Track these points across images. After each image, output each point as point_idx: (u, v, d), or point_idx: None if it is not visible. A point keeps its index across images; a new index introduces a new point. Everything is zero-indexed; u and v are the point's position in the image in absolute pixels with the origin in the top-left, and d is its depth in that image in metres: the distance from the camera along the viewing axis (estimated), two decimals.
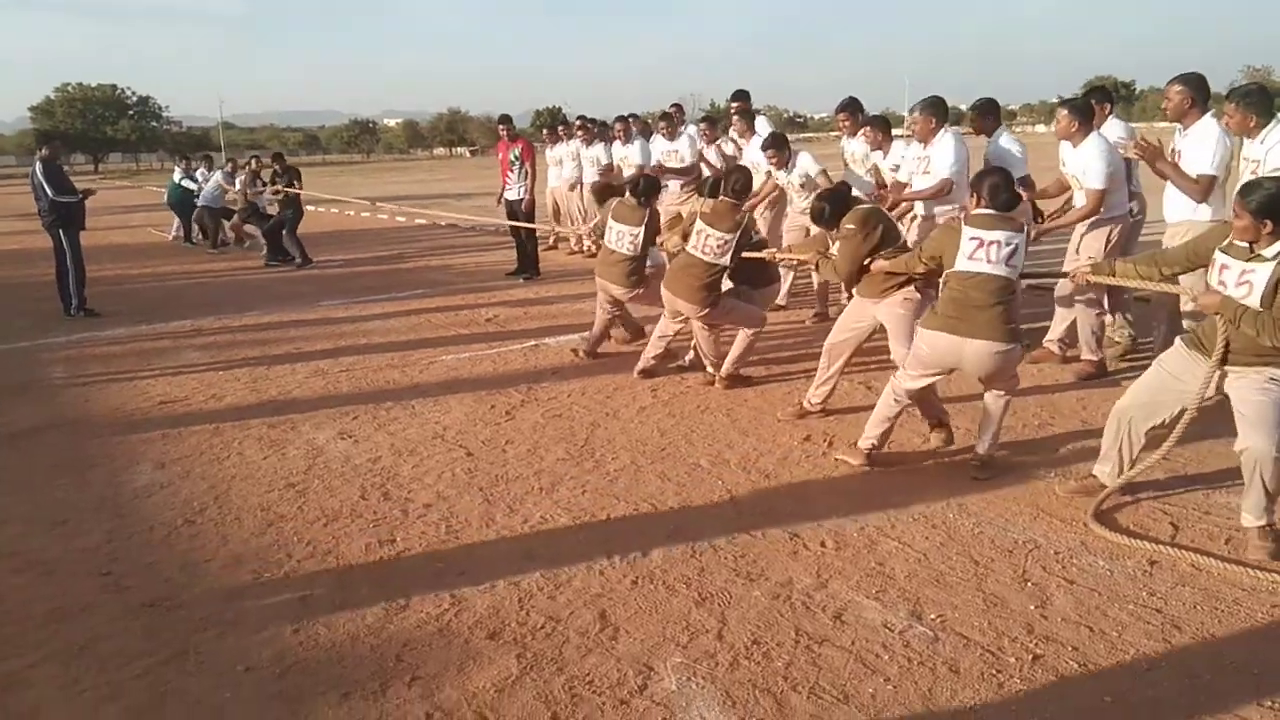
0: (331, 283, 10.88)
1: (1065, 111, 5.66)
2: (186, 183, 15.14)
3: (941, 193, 6.29)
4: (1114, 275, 4.09)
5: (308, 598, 3.36)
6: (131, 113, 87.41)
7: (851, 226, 4.76)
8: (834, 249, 4.99)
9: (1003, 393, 4.26)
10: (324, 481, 4.49)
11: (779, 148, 7.52)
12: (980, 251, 4.04)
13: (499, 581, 3.43)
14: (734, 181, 5.76)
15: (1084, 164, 5.50)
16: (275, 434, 5.22)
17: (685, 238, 5.83)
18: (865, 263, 4.78)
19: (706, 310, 5.68)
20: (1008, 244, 4.03)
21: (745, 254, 5.71)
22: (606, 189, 7.78)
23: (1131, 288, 4.35)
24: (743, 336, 5.82)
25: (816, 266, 5.32)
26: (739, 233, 5.59)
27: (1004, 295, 4.04)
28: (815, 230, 5.56)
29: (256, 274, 11.84)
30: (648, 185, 6.49)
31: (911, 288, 4.75)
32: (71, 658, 3.02)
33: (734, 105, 9.09)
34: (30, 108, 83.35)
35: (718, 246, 5.59)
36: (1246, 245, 3.45)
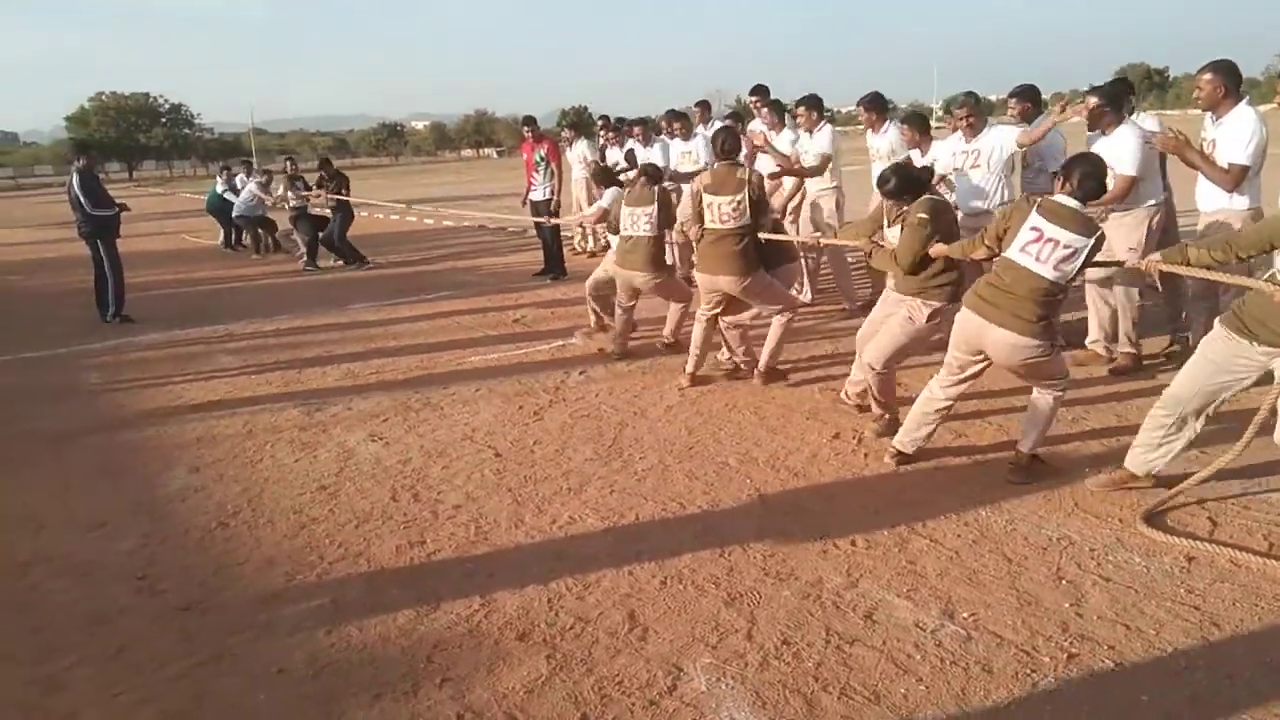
0: (361, 285, 10.96)
1: (1095, 100, 5.50)
2: (229, 195, 15.17)
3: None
4: (1187, 263, 3.79)
5: (339, 600, 3.39)
6: (164, 120, 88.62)
7: (924, 216, 4.48)
8: (888, 234, 4.78)
9: (1049, 391, 4.06)
10: (355, 484, 4.53)
11: (812, 106, 7.67)
12: (1034, 246, 3.82)
13: (528, 582, 3.44)
14: (722, 141, 5.65)
15: (1117, 150, 5.36)
16: (307, 437, 5.27)
17: (699, 220, 5.68)
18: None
19: (747, 280, 5.52)
20: (1067, 246, 3.77)
21: (770, 238, 5.67)
22: (606, 173, 7.83)
23: (1198, 277, 3.96)
24: (777, 325, 5.70)
25: (869, 255, 5.03)
26: (746, 189, 5.46)
27: (1042, 295, 3.83)
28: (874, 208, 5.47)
29: (288, 278, 11.95)
30: (650, 168, 6.55)
31: (940, 292, 4.57)
32: (108, 661, 3.07)
33: (754, 100, 8.99)
34: (66, 117, 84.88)
35: (733, 210, 5.47)
36: None
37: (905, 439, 4.39)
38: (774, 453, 4.67)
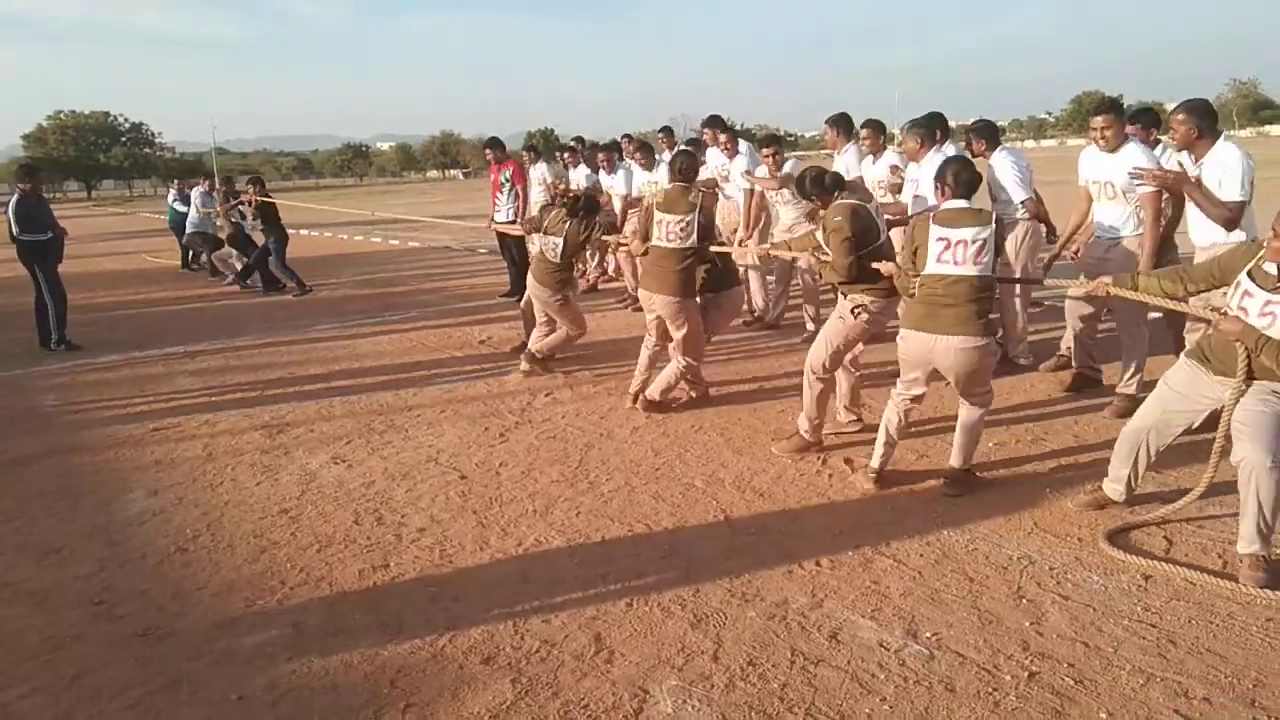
0: (324, 306, 10.88)
1: (1100, 120, 5.26)
2: (179, 205, 15.16)
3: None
4: (1137, 289, 3.95)
5: (300, 625, 3.35)
6: (124, 139, 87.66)
7: (839, 219, 4.58)
8: (819, 236, 4.86)
9: (976, 406, 4.24)
10: (317, 507, 4.48)
11: (779, 146, 7.86)
12: (948, 253, 4.05)
13: (493, 606, 3.42)
14: (679, 165, 5.81)
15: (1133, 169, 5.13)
16: (268, 460, 5.21)
17: (645, 237, 5.82)
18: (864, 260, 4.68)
19: (680, 302, 5.58)
20: (974, 240, 4.02)
21: (717, 249, 5.79)
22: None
23: (1149, 303, 4.10)
24: (676, 364, 5.76)
25: (820, 273, 5.30)
26: (696, 212, 5.59)
27: (975, 294, 4.03)
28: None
29: (249, 299, 11.81)
30: (587, 204, 6.86)
31: (868, 290, 4.65)
32: (63, 689, 3.00)
33: (708, 132, 9.00)
34: (23, 136, 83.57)
35: (680, 230, 5.59)
36: (1274, 273, 3.36)
37: (875, 461, 4.45)
38: (740, 474, 4.69)
